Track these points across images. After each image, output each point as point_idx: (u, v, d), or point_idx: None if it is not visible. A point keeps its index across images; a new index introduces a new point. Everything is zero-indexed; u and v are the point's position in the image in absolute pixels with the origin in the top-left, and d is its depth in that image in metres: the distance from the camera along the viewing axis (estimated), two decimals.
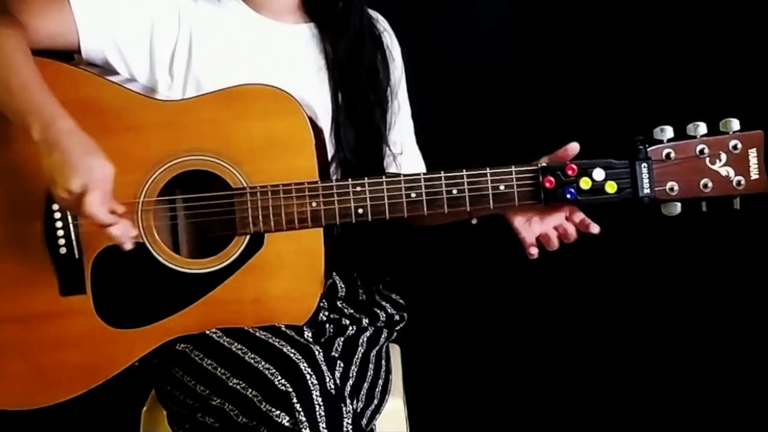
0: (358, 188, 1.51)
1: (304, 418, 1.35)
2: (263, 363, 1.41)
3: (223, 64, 1.60)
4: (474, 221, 1.59)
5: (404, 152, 1.76)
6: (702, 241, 2.31)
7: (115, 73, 1.60)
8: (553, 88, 2.29)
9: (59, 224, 1.52)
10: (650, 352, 2.40)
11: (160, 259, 1.52)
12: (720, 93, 2.10)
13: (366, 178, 1.51)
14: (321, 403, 1.37)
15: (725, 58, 2.21)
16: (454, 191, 1.50)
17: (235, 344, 1.47)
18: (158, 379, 1.57)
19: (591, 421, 2.40)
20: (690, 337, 2.38)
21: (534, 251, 1.54)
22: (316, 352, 1.43)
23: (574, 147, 1.50)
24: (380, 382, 1.64)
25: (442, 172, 1.50)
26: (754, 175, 1.49)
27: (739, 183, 1.49)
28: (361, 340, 1.64)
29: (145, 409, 1.71)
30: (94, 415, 1.54)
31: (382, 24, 1.76)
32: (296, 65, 1.65)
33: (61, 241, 1.52)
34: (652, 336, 2.40)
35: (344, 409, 1.41)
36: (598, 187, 1.48)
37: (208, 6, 1.63)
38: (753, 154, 1.49)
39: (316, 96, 1.64)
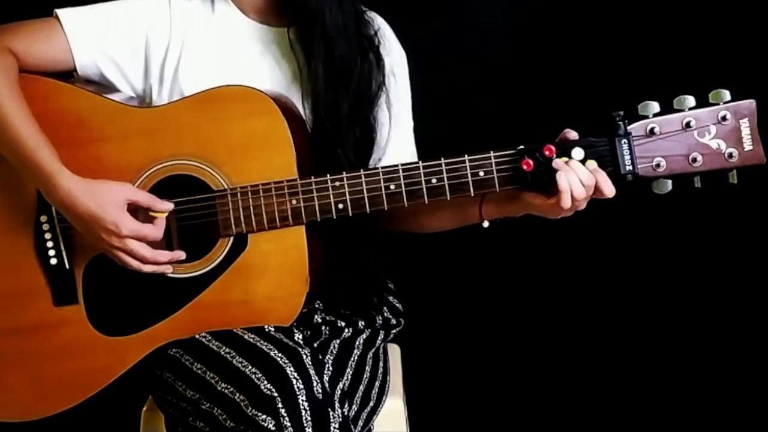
0: (337, 183, 1.49)
1: (289, 423, 1.34)
2: (250, 367, 1.40)
3: (209, 67, 1.60)
4: (485, 224, 1.55)
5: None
6: (702, 240, 2.29)
7: (112, 89, 1.62)
8: (548, 76, 2.26)
9: (48, 235, 1.54)
10: (649, 354, 2.36)
11: None
12: (710, 67, 2.04)
13: (344, 173, 1.49)
14: (307, 408, 1.35)
15: (714, 33, 2.16)
16: (434, 180, 1.47)
17: (224, 348, 1.46)
18: (154, 385, 1.58)
19: (591, 421, 2.36)
20: (690, 337, 2.34)
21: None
22: (304, 356, 1.41)
23: (570, 134, 1.45)
24: (377, 383, 1.62)
25: (420, 162, 1.47)
26: (748, 146, 1.42)
27: (731, 155, 1.42)
28: (357, 343, 1.61)
29: (145, 409, 1.71)
30: (94, 415, 1.56)
31: (376, 24, 1.67)
32: (273, 68, 1.63)
33: (51, 252, 1.54)
34: (652, 338, 2.36)
35: (331, 414, 1.39)
36: None
37: (201, 7, 1.64)
38: (745, 124, 1.42)
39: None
